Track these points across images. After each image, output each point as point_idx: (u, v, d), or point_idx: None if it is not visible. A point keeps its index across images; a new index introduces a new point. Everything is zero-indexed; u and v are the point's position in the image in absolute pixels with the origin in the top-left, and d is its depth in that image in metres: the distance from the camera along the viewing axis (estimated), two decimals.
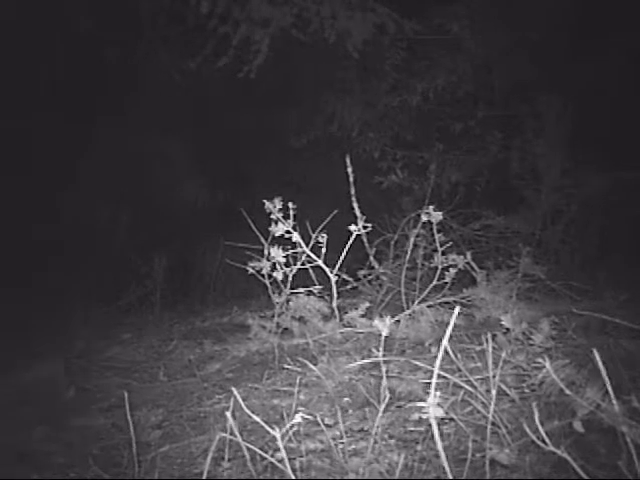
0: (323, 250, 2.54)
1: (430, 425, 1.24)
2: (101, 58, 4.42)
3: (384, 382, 1.81)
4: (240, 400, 1.59)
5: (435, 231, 2.65)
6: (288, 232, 2.48)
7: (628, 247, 3.42)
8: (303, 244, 2.53)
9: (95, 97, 4.67)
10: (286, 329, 2.75)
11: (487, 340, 1.69)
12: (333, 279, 2.60)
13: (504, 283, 2.75)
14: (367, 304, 2.70)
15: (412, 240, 3.04)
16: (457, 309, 1.48)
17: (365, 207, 3.19)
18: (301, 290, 2.68)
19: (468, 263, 2.67)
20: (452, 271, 2.58)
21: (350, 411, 2.02)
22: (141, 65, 4.80)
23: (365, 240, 3.40)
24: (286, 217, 2.48)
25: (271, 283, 2.61)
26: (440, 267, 2.60)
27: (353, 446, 1.73)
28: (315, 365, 2.29)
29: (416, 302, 2.75)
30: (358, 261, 3.45)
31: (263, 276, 2.57)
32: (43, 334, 3.42)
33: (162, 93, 4.95)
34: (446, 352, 1.46)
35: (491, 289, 2.69)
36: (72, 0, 4.08)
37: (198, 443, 1.94)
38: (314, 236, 2.57)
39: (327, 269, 2.59)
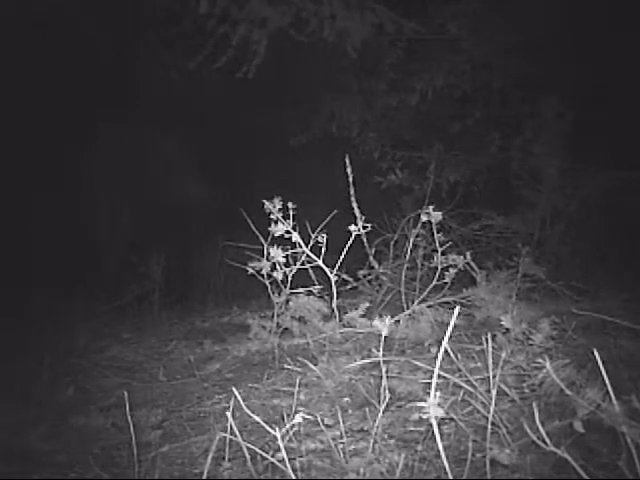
0: (323, 250, 2.54)
1: (430, 425, 1.24)
2: (100, 59, 4.42)
3: (384, 382, 1.81)
4: (240, 400, 1.59)
5: (435, 231, 2.65)
6: (288, 232, 2.48)
7: (628, 247, 3.42)
8: (303, 244, 2.53)
9: (94, 98, 4.66)
10: (286, 329, 2.75)
11: (487, 340, 1.69)
12: (333, 279, 2.59)
13: (504, 283, 2.75)
14: (367, 304, 2.70)
15: (412, 240, 3.04)
16: (457, 309, 1.48)
17: (365, 207, 3.19)
18: (301, 290, 2.68)
19: (468, 263, 2.67)
20: (452, 271, 2.58)
21: (350, 411, 2.02)
22: (140, 65, 4.80)
23: (365, 240, 3.39)
24: (286, 217, 2.48)
25: (271, 283, 2.61)
26: (440, 267, 2.60)
27: (353, 446, 1.73)
28: (315, 365, 2.29)
29: (416, 302, 2.75)
30: (358, 261, 3.45)
31: (263, 276, 2.57)
32: (43, 334, 3.41)
33: (161, 93, 4.95)
34: (446, 352, 1.46)
35: (491, 289, 2.69)
36: (71, 0, 4.07)
37: (198, 443, 1.94)
38: (314, 236, 2.57)
39: (327, 269, 2.59)
